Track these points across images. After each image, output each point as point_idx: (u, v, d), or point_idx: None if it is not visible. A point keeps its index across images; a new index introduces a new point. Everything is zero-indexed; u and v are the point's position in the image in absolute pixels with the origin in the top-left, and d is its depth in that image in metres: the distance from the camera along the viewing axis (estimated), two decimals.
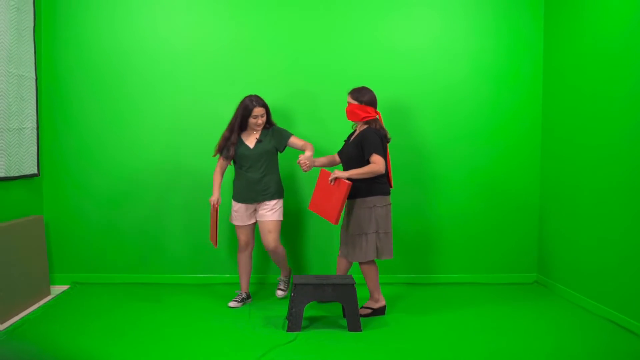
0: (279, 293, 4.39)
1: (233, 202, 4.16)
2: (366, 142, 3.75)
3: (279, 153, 4.20)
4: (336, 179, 3.73)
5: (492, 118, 4.82)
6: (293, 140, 4.14)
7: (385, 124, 4.74)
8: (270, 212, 4.08)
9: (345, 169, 3.91)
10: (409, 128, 4.78)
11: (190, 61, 4.68)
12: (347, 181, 3.67)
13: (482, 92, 4.80)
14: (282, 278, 4.44)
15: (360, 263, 3.87)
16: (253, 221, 4.18)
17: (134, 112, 4.68)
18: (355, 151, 3.82)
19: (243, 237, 4.17)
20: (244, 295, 4.22)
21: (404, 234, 4.81)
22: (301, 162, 3.90)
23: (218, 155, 4.15)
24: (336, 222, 3.72)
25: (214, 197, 4.07)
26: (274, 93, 4.61)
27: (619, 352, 3.33)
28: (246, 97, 4.05)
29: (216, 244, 4.07)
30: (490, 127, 4.82)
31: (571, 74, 4.41)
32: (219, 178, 4.15)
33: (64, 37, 4.62)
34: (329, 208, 3.77)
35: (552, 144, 4.69)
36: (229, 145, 4.05)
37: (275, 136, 4.13)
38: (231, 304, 4.12)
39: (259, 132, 4.11)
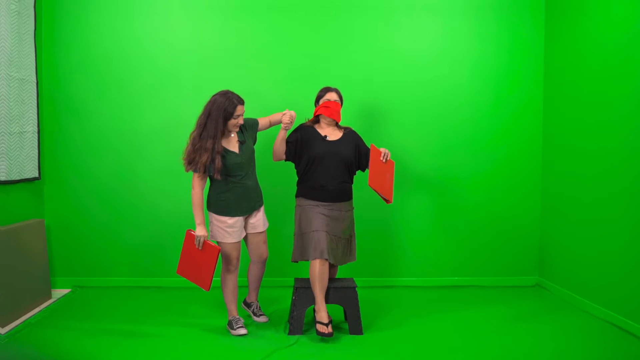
0: (263, 319, 3.93)
1: (223, 218, 3.59)
2: (363, 143, 3.86)
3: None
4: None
5: (493, 122, 4.82)
6: (261, 123, 3.78)
7: (385, 127, 4.77)
8: (262, 220, 3.77)
9: (338, 170, 3.71)
10: (409, 132, 4.78)
11: (191, 63, 4.69)
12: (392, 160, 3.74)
13: (483, 97, 4.81)
14: (255, 302, 3.97)
15: (338, 265, 3.79)
16: (244, 234, 3.74)
17: (136, 115, 4.68)
18: (352, 153, 3.77)
19: (235, 254, 3.63)
20: (241, 317, 3.78)
21: (405, 238, 4.82)
22: (286, 123, 3.64)
23: (191, 172, 3.53)
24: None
25: (202, 232, 3.49)
26: (274, 96, 4.64)
27: (620, 354, 3.33)
28: (220, 95, 3.49)
29: (209, 287, 3.50)
30: (491, 132, 4.82)
31: (572, 79, 4.41)
32: (202, 203, 3.56)
33: (64, 41, 4.62)
34: (386, 186, 3.62)
35: (553, 148, 4.69)
36: (214, 156, 3.44)
37: (249, 130, 3.70)
38: (241, 331, 3.61)
39: (236, 133, 3.66)
